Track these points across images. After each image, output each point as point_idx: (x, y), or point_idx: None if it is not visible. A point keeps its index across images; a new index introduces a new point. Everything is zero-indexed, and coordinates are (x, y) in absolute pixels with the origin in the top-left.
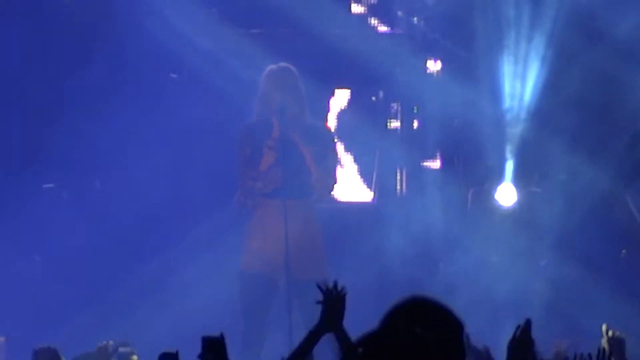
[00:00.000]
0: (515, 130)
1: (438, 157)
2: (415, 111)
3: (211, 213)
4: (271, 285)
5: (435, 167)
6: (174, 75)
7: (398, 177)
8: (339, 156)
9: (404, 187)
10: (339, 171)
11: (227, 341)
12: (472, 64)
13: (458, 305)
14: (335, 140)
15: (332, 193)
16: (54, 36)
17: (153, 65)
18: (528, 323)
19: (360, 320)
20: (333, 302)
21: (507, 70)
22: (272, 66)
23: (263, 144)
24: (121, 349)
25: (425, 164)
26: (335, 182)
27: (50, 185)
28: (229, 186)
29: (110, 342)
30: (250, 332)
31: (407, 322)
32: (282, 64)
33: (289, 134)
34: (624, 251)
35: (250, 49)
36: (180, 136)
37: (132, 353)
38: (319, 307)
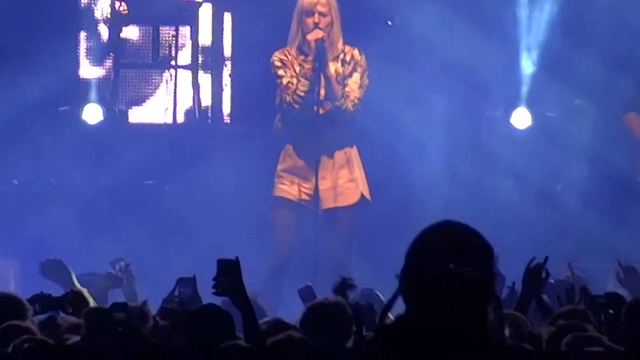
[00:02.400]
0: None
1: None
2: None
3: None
4: (302, 211)
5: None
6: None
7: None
8: (366, 75)
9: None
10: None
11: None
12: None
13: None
14: (364, 62)
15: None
16: None
17: None
18: (544, 261)
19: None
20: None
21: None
22: None
23: (298, 72)
24: (121, 264)
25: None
26: (359, 96)
27: (66, 107)
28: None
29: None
30: (279, 255)
31: (439, 257)
32: None
33: (324, 62)
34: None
35: None
36: None
37: (127, 266)
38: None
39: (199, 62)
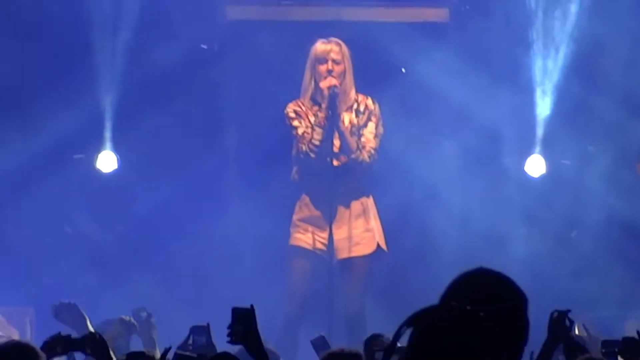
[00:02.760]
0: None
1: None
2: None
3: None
4: (317, 260)
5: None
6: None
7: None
8: (380, 124)
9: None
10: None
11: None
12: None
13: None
14: (378, 111)
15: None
16: None
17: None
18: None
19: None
20: None
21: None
22: (322, 40)
23: (313, 122)
24: (141, 314)
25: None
26: (374, 146)
27: (81, 155)
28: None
29: (127, 317)
30: (295, 303)
31: (459, 299)
32: (332, 38)
33: (337, 111)
34: None
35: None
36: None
37: (149, 316)
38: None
39: None
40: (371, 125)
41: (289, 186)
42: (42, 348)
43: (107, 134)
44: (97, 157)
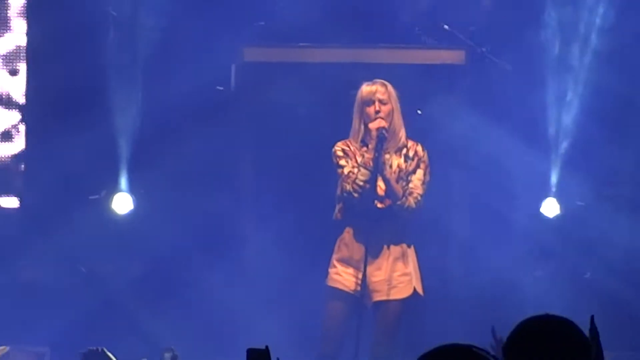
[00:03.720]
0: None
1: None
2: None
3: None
4: (353, 303)
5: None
6: (221, 88)
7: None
8: (428, 172)
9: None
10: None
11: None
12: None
13: (505, 320)
14: (427, 158)
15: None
16: None
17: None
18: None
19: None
20: None
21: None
22: (367, 83)
23: (359, 162)
24: (166, 355)
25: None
26: (421, 193)
27: (97, 196)
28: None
29: None
30: (329, 346)
31: (531, 345)
32: (377, 80)
33: (384, 154)
34: None
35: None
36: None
37: (175, 357)
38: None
39: None
40: (420, 172)
41: (302, 227)
42: None
43: (123, 175)
44: (112, 198)
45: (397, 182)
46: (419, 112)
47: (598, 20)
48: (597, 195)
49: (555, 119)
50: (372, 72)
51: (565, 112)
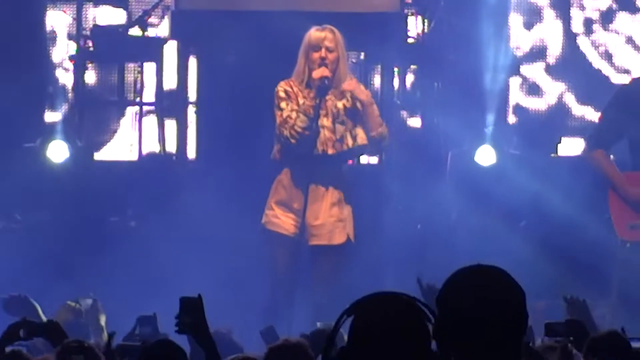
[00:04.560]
0: (496, 94)
1: (419, 117)
2: (396, 72)
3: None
4: (295, 245)
5: (416, 126)
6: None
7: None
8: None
9: (383, 157)
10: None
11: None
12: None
13: (436, 266)
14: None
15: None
16: None
17: None
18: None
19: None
20: None
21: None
22: (317, 28)
23: (299, 107)
24: (87, 300)
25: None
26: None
27: (32, 144)
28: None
29: (72, 303)
30: (281, 294)
31: (461, 295)
32: (326, 26)
33: (326, 102)
34: (607, 215)
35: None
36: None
37: (95, 302)
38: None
39: (163, 102)
40: (369, 109)
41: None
42: (5, 332)
43: (58, 123)
44: (48, 145)
45: (346, 116)
46: (354, 61)
47: None
48: (531, 144)
49: (491, 65)
50: (308, 20)
51: (502, 56)
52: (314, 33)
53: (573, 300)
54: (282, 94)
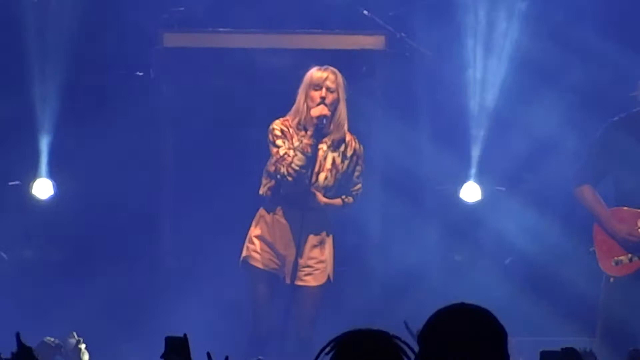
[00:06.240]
0: (478, 131)
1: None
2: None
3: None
4: (274, 283)
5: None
6: (140, 74)
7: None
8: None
9: (369, 194)
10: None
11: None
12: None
13: (419, 304)
14: (361, 151)
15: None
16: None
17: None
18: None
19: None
20: None
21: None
22: (319, 67)
23: (296, 146)
24: (70, 340)
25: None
26: (360, 190)
27: (17, 182)
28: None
29: (51, 339)
30: (261, 328)
31: (441, 335)
32: (329, 67)
33: (320, 144)
34: (591, 249)
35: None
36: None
37: (79, 342)
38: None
39: None
40: (358, 170)
41: (226, 212)
42: None
43: (43, 161)
44: (32, 184)
45: (332, 178)
46: None
47: (519, 5)
48: (518, 180)
49: (477, 103)
50: (291, 58)
51: (486, 96)
52: (315, 72)
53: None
54: (277, 132)
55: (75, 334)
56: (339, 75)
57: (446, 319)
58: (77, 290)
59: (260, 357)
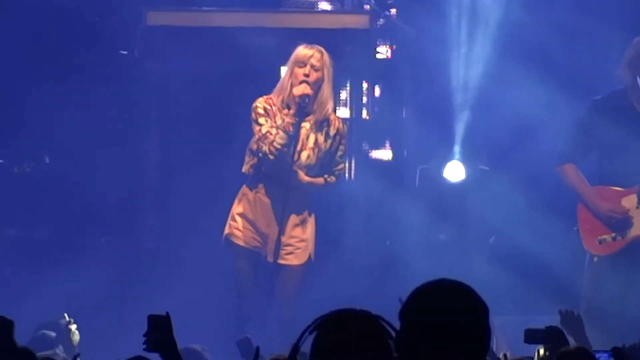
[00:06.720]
0: (462, 111)
1: (387, 145)
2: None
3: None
4: (256, 260)
5: (386, 158)
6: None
7: (347, 165)
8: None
9: (352, 174)
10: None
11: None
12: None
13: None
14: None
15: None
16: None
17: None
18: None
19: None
20: None
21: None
22: (305, 45)
23: (279, 125)
24: (61, 321)
25: (374, 153)
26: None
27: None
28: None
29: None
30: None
31: (422, 311)
32: (315, 45)
33: (303, 123)
34: (575, 227)
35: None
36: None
37: (69, 323)
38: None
39: None
40: (341, 149)
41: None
42: None
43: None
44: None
45: (315, 156)
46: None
47: None
48: (502, 159)
49: (461, 83)
50: (275, 37)
51: (470, 75)
52: (301, 50)
53: (568, 314)
54: (260, 110)
55: (66, 315)
56: (325, 54)
57: (426, 295)
58: (61, 269)
59: (247, 335)
